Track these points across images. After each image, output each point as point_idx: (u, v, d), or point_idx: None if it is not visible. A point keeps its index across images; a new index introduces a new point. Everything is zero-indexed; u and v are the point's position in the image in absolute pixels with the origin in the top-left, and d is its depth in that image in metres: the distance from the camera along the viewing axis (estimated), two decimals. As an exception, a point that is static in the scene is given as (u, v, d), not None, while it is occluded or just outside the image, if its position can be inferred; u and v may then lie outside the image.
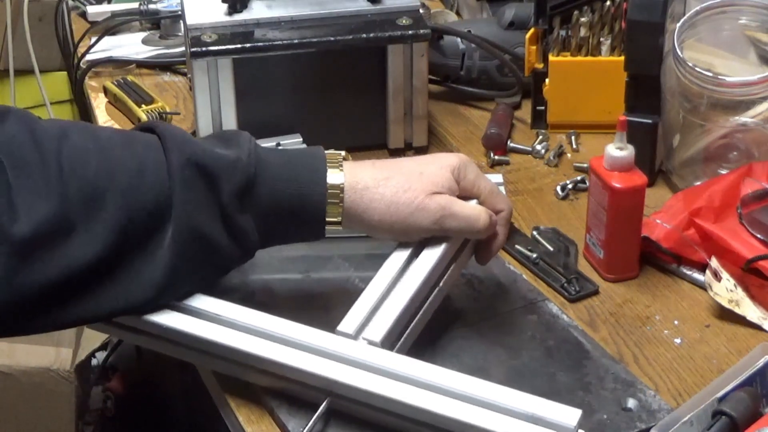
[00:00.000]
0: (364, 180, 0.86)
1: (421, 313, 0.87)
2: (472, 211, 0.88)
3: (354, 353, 0.80)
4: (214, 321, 0.85)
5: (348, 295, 0.89)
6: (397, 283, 0.86)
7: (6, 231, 0.77)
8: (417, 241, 0.89)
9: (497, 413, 0.74)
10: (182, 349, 0.86)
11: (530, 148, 1.27)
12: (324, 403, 0.80)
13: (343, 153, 0.89)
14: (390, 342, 0.82)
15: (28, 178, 0.79)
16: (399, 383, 0.78)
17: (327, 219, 0.86)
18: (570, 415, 0.73)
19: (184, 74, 1.53)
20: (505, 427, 0.73)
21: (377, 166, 0.88)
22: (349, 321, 0.83)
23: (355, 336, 0.82)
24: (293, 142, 1.21)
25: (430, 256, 0.88)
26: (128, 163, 0.82)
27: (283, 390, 0.83)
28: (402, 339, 0.84)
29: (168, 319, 0.85)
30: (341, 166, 0.86)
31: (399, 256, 0.88)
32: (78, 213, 0.79)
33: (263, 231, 0.86)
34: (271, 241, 0.88)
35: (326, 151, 0.88)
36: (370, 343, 0.81)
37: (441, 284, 0.89)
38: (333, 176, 0.85)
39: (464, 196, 0.89)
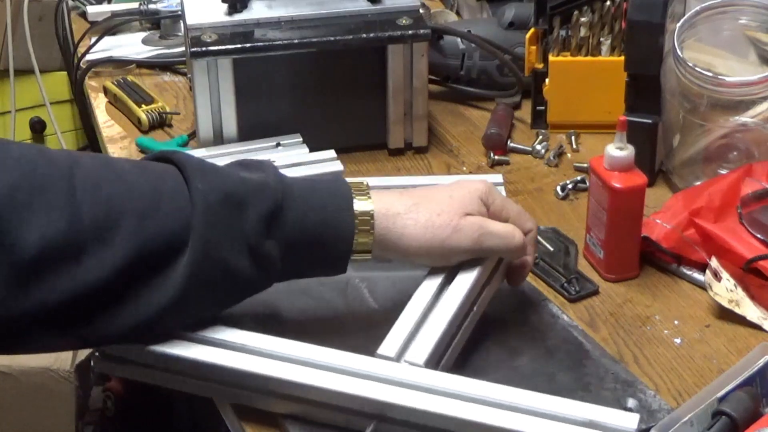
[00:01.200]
0: (394, 206, 0.86)
1: (458, 336, 0.86)
2: (506, 228, 0.88)
3: (400, 375, 0.79)
4: (246, 352, 0.83)
5: (349, 296, 0.90)
6: (434, 307, 0.86)
7: (12, 249, 0.74)
8: (452, 264, 0.89)
9: (557, 422, 0.74)
10: (208, 383, 0.84)
11: (530, 148, 1.27)
12: (370, 427, 0.78)
13: (366, 181, 0.88)
14: (431, 366, 0.81)
15: (38, 196, 0.76)
16: (451, 400, 0.76)
17: (355, 248, 0.85)
18: (628, 419, 0.73)
19: (184, 74, 1.53)
20: None
21: (404, 194, 0.88)
22: (390, 344, 0.81)
23: (397, 359, 0.81)
24: (293, 142, 1.21)
25: (465, 279, 0.87)
26: (144, 189, 0.80)
27: (324, 419, 0.81)
28: (442, 362, 0.84)
29: (195, 352, 0.82)
30: (368, 194, 0.86)
31: (432, 282, 0.88)
32: (89, 235, 0.77)
33: (287, 259, 0.84)
34: (292, 271, 0.86)
35: (349, 180, 0.87)
36: (413, 365, 0.80)
37: (476, 308, 0.89)
38: (361, 204, 0.85)
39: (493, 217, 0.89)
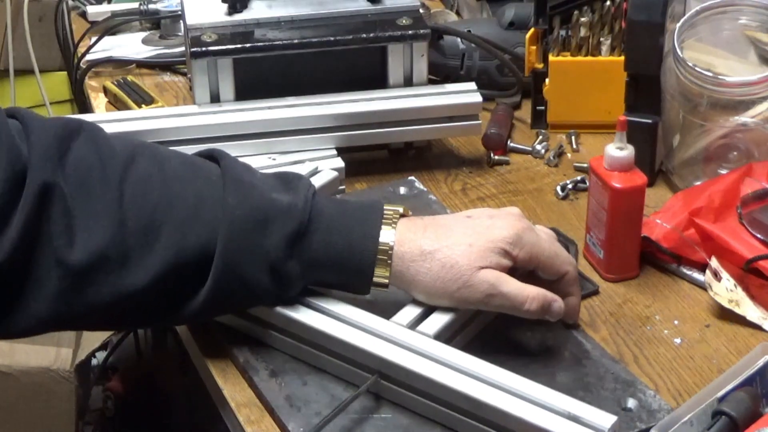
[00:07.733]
0: (412, 249, 0.85)
1: (472, 324, 0.89)
2: (521, 293, 0.84)
3: (408, 340, 0.83)
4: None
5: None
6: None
7: (61, 256, 0.79)
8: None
9: (538, 407, 0.76)
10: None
11: (530, 148, 1.27)
12: (370, 380, 0.82)
13: (401, 209, 0.88)
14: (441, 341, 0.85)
15: (89, 203, 0.81)
16: (451, 371, 0.80)
17: (374, 279, 0.85)
18: (605, 419, 0.74)
19: (184, 74, 1.53)
20: (548, 422, 0.75)
21: (428, 231, 0.86)
22: (405, 314, 0.86)
23: (410, 328, 0.85)
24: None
25: None
26: (187, 198, 0.84)
27: (330, 367, 0.87)
28: (451, 344, 0.85)
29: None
30: (395, 224, 0.86)
31: None
32: (133, 242, 0.82)
33: (308, 278, 0.86)
34: (312, 287, 0.89)
35: (385, 207, 0.87)
36: (423, 334, 0.84)
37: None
38: (385, 233, 0.85)
39: (522, 267, 0.88)
